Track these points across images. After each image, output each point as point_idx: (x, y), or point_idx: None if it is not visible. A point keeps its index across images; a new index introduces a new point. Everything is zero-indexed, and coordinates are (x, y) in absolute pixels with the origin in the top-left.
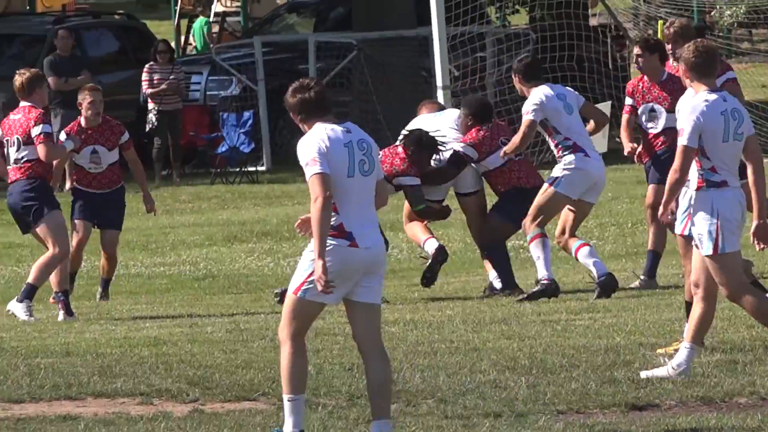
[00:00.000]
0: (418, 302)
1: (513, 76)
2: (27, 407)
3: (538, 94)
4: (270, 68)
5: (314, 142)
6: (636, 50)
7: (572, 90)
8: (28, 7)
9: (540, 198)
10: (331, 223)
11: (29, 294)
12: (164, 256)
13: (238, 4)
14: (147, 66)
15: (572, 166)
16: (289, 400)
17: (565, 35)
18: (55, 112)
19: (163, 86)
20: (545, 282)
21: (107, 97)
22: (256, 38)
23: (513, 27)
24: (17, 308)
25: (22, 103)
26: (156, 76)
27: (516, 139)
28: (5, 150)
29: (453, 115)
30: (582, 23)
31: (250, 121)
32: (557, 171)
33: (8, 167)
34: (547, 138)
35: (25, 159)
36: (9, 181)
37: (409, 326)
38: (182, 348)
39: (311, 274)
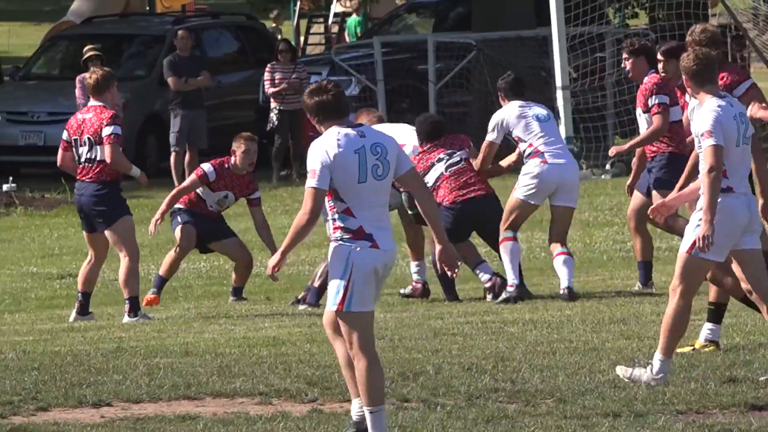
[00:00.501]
0: (537, 301)
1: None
2: (146, 407)
3: (500, 114)
4: (389, 68)
5: (320, 152)
6: (624, 54)
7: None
8: (147, 8)
9: (508, 203)
10: (351, 227)
11: (134, 306)
12: None
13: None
14: (269, 65)
15: (528, 172)
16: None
17: (684, 35)
18: (175, 112)
19: (283, 85)
20: (510, 288)
21: (227, 97)
22: (376, 38)
23: (632, 28)
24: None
25: (92, 102)
26: (277, 76)
27: (477, 160)
28: (75, 149)
29: (409, 131)
30: (702, 23)
31: None
32: (519, 178)
33: (79, 165)
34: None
35: (97, 159)
36: (79, 178)
37: (528, 326)
38: (301, 348)
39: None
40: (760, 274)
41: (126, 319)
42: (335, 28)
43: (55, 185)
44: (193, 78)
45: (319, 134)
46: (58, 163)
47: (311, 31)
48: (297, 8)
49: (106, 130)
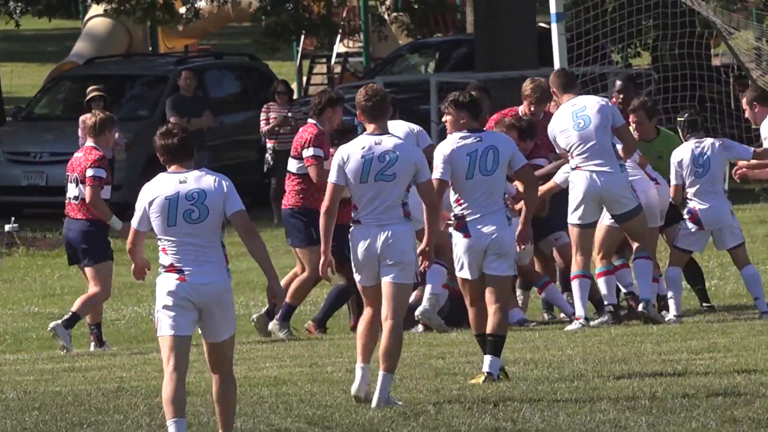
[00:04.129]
0: (538, 340)
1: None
2: None
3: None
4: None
5: (143, 194)
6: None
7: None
8: (150, 48)
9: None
10: (164, 263)
11: (69, 323)
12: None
13: (361, 44)
14: (265, 106)
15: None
16: None
17: (687, 75)
18: None
19: (273, 123)
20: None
21: (229, 138)
22: (378, 78)
23: (635, 67)
24: (64, 333)
25: (87, 143)
26: (272, 116)
27: None
28: (66, 186)
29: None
30: (704, 63)
31: None
32: None
33: (67, 202)
34: None
35: (81, 198)
36: (67, 215)
37: (529, 365)
38: (302, 387)
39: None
40: None
41: (53, 323)
42: (338, 68)
43: (57, 225)
44: (196, 118)
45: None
46: None
47: (314, 71)
48: (300, 48)
49: (89, 172)
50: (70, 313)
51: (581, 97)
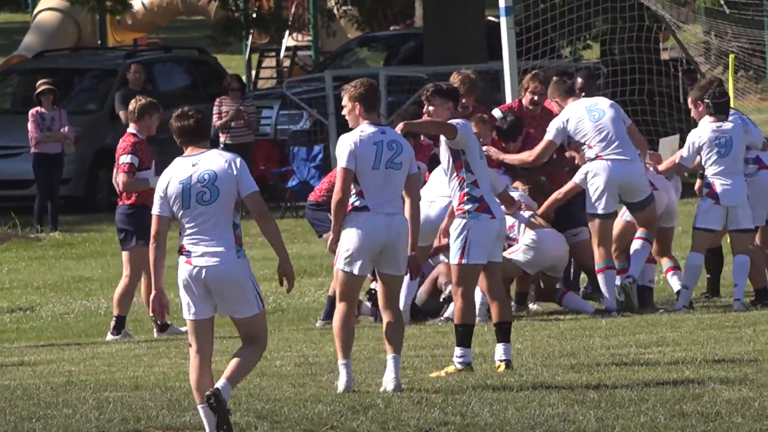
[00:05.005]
0: (488, 335)
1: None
2: None
3: None
4: (341, 102)
5: (161, 179)
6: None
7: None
8: (99, 42)
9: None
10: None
11: (119, 325)
12: None
13: (310, 38)
14: (217, 100)
15: None
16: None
17: (636, 69)
18: None
19: (226, 117)
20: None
21: None
22: (327, 72)
23: (584, 61)
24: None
25: (129, 129)
26: (225, 110)
27: None
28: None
29: None
30: (653, 57)
31: (320, 156)
32: None
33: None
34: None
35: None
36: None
37: (479, 359)
38: (251, 382)
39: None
40: None
41: (109, 336)
42: (287, 62)
43: (5, 219)
44: None
45: (272, 165)
46: None
47: (263, 65)
48: (249, 42)
49: (121, 158)
50: (114, 318)
51: (591, 98)
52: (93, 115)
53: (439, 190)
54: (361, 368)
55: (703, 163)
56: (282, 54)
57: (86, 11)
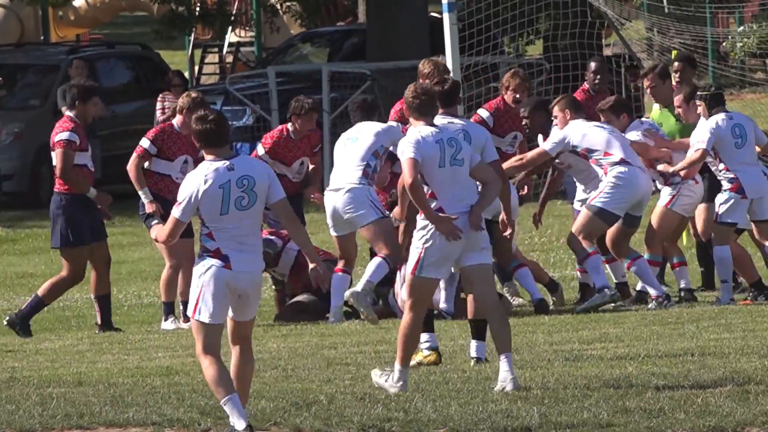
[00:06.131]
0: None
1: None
2: None
3: None
4: (284, 98)
5: (188, 185)
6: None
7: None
8: (42, 37)
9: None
10: (210, 248)
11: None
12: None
13: (253, 34)
14: (160, 95)
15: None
16: None
17: (579, 65)
18: None
19: (168, 113)
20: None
21: (121, 127)
22: (270, 68)
23: (527, 57)
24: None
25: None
26: (167, 105)
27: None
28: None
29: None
30: (596, 53)
31: None
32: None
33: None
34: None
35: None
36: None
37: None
38: (194, 378)
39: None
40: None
41: (163, 325)
42: (230, 58)
43: None
44: None
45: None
46: None
47: (206, 60)
48: (192, 38)
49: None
50: (163, 305)
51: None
52: (35, 110)
53: None
54: (304, 364)
55: (719, 157)
56: (225, 50)
57: (26, 4)
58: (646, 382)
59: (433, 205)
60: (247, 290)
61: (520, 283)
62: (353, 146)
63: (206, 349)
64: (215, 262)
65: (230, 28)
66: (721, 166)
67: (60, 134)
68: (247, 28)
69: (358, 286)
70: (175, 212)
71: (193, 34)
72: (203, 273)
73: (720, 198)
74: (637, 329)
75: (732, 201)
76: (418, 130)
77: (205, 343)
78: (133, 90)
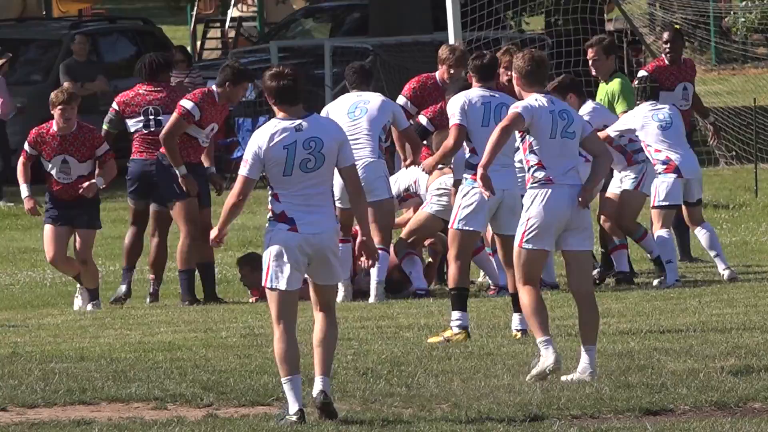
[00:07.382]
0: (433, 307)
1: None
2: (41, 412)
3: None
4: None
5: (253, 143)
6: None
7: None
8: (44, 12)
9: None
10: (276, 210)
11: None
12: None
13: (255, 8)
14: None
15: None
16: None
17: (581, 40)
18: None
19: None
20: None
21: None
22: (272, 43)
23: (529, 32)
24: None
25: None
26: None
27: None
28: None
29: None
30: (598, 28)
31: None
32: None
33: None
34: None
35: None
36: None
37: (424, 331)
38: (197, 353)
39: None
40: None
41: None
42: (232, 33)
43: None
44: (90, 83)
45: (217, 136)
46: None
47: (208, 35)
48: (194, 13)
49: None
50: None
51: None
52: (37, 86)
53: None
54: (306, 340)
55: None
56: (227, 25)
57: None
58: (648, 358)
59: (542, 175)
60: (320, 252)
61: (478, 265)
62: (364, 118)
63: (278, 319)
64: (281, 225)
65: (232, 3)
66: (652, 149)
67: (185, 101)
68: (249, 3)
69: (372, 297)
70: (243, 170)
71: (195, 9)
72: (270, 238)
73: (656, 182)
74: (639, 305)
75: (667, 184)
76: (534, 97)
77: (277, 311)
78: (134, 65)
